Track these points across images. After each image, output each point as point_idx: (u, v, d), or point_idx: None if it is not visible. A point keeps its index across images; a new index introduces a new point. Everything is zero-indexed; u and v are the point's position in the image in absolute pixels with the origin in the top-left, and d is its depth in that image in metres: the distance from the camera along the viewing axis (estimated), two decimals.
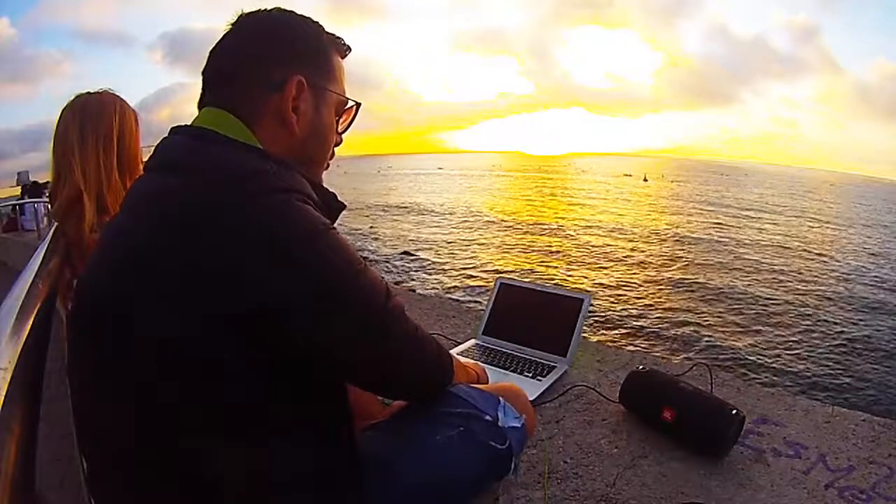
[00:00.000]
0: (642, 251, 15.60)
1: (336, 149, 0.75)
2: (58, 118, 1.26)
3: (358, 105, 0.74)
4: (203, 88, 0.66)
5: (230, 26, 0.66)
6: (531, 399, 1.09)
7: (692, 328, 8.81)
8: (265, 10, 0.68)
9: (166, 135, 0.64)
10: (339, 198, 0.69)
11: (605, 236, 18.27)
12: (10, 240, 6.61)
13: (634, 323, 9.02)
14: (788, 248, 17.33)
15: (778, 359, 7.69)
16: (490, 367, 1.53)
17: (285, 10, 0.69)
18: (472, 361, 1.14)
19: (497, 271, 12.48)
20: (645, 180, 55.28)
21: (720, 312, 9.72)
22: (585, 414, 1.41)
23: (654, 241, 17.56)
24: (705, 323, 9.11)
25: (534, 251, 15.47)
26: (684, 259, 14.50)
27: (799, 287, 11.92)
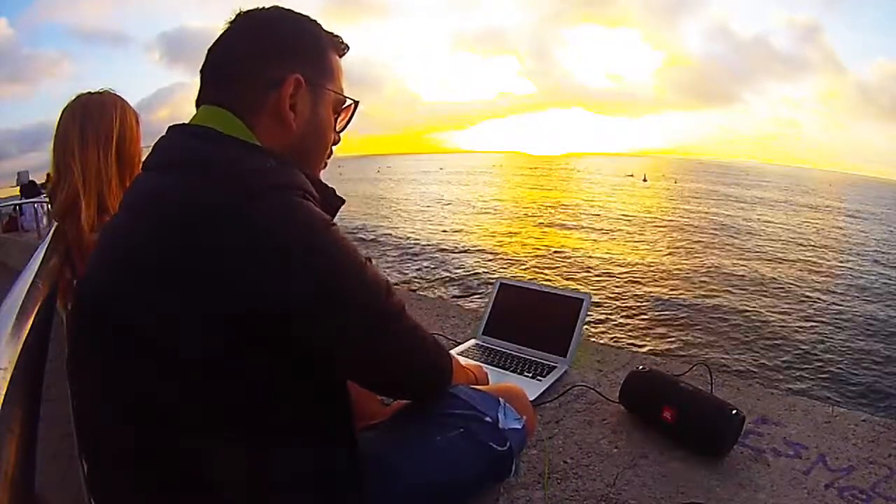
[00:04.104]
0: (643, 251, 15.60)
1: (334, 149, 0.75)
2: (58, 118, 1.26)
3: (356, 103, 0.74)
4: (201, 86, 0.66)
5: (229, 24, 0.66)
6: (531, 399, 1.09)
7: (692, 328, 8.81)
8: (264, 8, 0.68)
9: (164, 133, 0.64)
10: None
11: (605, 236, 18.27)
12: (10, 240, 6.61)
13: (634, 323, 9.02)
14: (788, 248, 17.34)
15: (778, 359, 7.68)
16: (490, 367, 1.53)
17: (283, 9, 0.69)
18: (473, 362, 1.14)
19: (497, 271, 12.49)
20: (644, 180, 55.17)
21: (720, 312, 9.72)
22: (585, 414, 1.41)
23: (655, 240, 17.56)
24: (706, 323, 9.10)
25: (534, 251, 15.47)
26: (685, 259, 14.50)
27: (799, 287, 11.92)
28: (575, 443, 1.28)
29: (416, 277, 12.12)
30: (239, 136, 0.60)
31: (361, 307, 0.57)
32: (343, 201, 0.69)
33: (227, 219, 0.51)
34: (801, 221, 25.52)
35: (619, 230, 19.42)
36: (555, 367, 1.58)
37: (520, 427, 0.79)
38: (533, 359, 1.61)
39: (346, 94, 0.72)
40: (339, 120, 0.73)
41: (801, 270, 13.73)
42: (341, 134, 0.75)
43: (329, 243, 0.55)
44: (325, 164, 0.74)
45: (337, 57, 0.72)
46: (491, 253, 15.13)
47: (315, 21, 0.70)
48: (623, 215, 23.99)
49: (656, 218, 23.22)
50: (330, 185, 0.68)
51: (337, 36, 0.72)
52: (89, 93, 1.28)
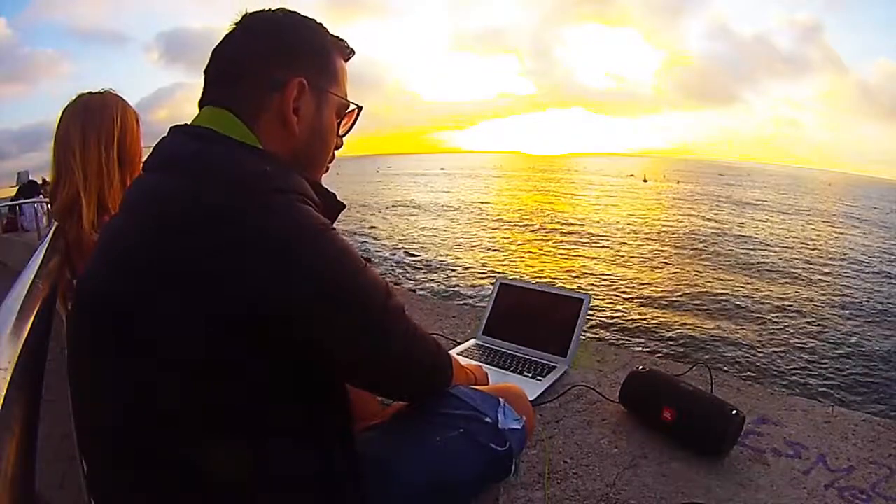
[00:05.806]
0: (643, 252, 15.60)
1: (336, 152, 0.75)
2: (58, 118, 1.26)
3: (359, 108, 0.74)
4: (205, 87, 0.66)
5: (234, 26, 0.66)
6: (531, 399, 1.09)
7: (692, 328, 8.81)
8: (269, 10, 0.68)
9: (165, 134, 0.64)
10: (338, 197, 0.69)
11: (605, 236, 18.27)
12: (10, 240, 6.60)
13: (634, 323, 9.02)
14: (789, 248, 17.34)
15: (778, 359, 7.69)
16: (490, 367, 1.53)
17: (289, 11, 0.69)
18: (472, 363, 1.14)
19: (497, 271, 12.49)
20: (645, 181, 55.11)
21: (721, 313, 9.72)
22: (585, 414, 1.41)
23: (655, 241, 17.55)
24: (705, 323, 9.10)
25: (534, 251, 15.46)
26: (685, 260, 14.50)
27: (800, 287, 11.92)
28: (575, 443, 1.28)
29: (413, 281, 12.11)
30: (241, 138, 0.60)
31: (361, 308, 0.57)
32: (343, 206, 0.70)
33: (227, 220, 0.51)
34: (801, 224, 25.50)
35: (621, 234, 19.39)
36: (555, 367, 1.58)
37: (519, 427, 0.79)
38: (533, 359, 1.61)
39: (349, 98, 0.72)
40: (341, 124, 0.73)
41: (801, 274, 13.71)
42: (344, 138, 0.75)
43: (328, 246, 0.55)
44: (327, 168, 0.74)
45: (342, 61, 0.72)
46: (489, 257, 15.11)
47: (321, 24, 0.70)
48: (625, 218, 23.97)
49: (658, 221, 23.20)
50: (331, 190, 0.68)
51: (342, 40, 0.72)
52: (90, 93, 1.28)
